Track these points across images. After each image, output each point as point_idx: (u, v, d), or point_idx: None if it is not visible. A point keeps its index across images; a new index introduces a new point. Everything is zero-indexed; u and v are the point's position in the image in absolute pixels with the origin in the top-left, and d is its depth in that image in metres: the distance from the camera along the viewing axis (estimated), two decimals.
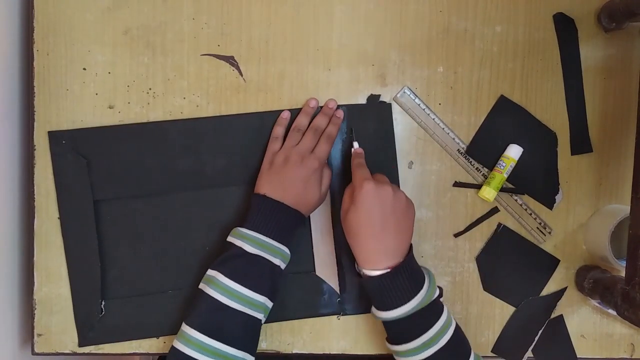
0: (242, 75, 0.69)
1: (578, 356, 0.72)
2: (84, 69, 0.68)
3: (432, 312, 0.60)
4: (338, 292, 0.69)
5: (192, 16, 0.68)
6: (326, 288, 0.69)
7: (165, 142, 0.68)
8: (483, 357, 0.71)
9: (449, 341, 0.59)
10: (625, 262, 0.61)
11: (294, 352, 0.70)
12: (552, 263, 0.71)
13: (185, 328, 0.59)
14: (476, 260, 0.71)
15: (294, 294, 0.69)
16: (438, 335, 0.59)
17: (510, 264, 0.71)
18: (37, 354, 0.69)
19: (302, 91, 0.69)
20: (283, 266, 0.63)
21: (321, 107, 0.69)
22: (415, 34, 0.70)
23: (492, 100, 0.70)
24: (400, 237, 0.60)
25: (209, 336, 0.58)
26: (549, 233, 0.71)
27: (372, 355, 0.71)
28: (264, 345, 0.70)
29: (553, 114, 0.71)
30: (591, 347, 0.72)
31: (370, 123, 0.69)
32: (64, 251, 0.68)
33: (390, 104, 0.69)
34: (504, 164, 0.68)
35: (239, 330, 0.60)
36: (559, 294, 0.71)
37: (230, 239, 0.63)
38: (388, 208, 0.59)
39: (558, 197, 0.71)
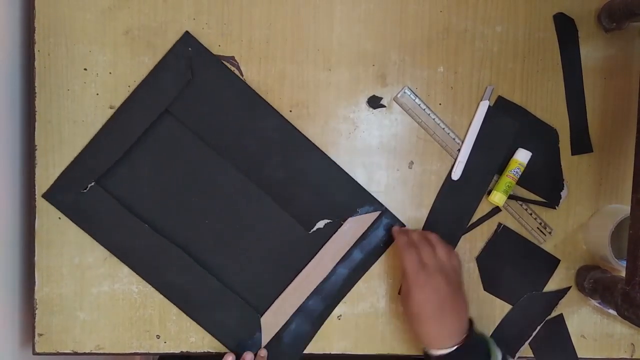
0: (242, 75, 0.69)
1: (578, 356, 0.72)
2: (85, 69, 0.68)
3: None
4: (261, 345, 0.69)
5: (193, 16, 0.68)
6: (256, 336, 0.69)
7: (260, 123, 0.68)
8: None
9: None
10: (625, 262, 0.61)
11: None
12: (552, 263, 0.71)
13: None
14: (476, 260, 0.71)
15: (229, 316, 0.68)
16: None
17: (511, 264, 0.71)
18: (38, 354, 0.69)
19: (302, 91, 0.69)
20: None
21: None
22: (415, 34, 0.70)
23: (492, 100, 0.70)
24: (460, 315, 0.62)
25: None
26: (549, 233, 0.71)
27: (372, 355, 0.71)
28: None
29: (553, 114, 0.71)
30: (591, 347, 0.72)
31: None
32: (103, 124, 0.67)
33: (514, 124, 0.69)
34: (514, 170, 0.68)
35: None
36: (561, 293, 0.71)
37: None
38: (443, 294, 0.61)
39: (564, 194, 0.71)
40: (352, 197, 0.69)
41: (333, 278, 0.69)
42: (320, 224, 0.69)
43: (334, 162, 0.69)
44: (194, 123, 0.68)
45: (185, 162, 0.68)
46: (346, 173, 0.69)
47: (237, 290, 0.68)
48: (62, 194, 0.68)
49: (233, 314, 0.69)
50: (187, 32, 0.67)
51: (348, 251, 0.69)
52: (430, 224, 0.70)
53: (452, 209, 0.70)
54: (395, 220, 0.70)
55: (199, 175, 0.68)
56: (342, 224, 0.69)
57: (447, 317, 0.61)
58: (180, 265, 0.68)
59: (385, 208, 0.69)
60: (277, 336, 0.69)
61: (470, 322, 0.63)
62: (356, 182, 0.69)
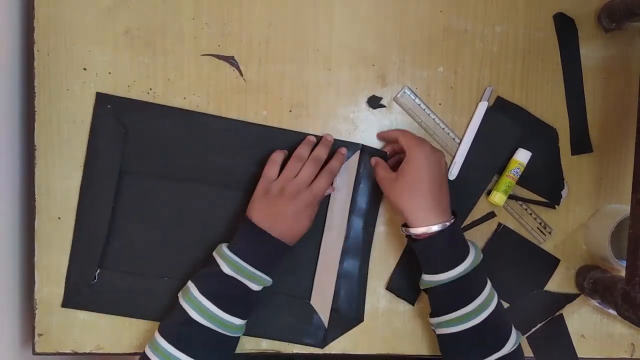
0: (242, 76, 0.69)
1: (578, 356, 0.72)
2: (85, 69, 0.68)
3: (478, 279, 0.61)
4: (326, 326, 0.69)
5: (193, 16, 0.68)
6: (315, 319, 0.69)
7: (206, 135, 0.68)
8: None
9: (492, 313, 0.60)
10: (625, 262, 0.61)
11: (294, 352, 0.70)
12: (552, 263, 0.71)
13: (156, 335, 0.60)
14: None
15: (283, 316, 0.69)
16: (483, 305, 0.59)
17: (511, 264, 0.71)
18: (38, 354, 0.69)
19: (302, 91, 0.69)
20: (259, 289, 0.63)
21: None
22: (415, 34, 0.70)
23: (492, 100, 0.70)
24: (446, 197, 0.62)
25: (175, 347, 0.58)
26: (549, 233, 0.71)
27: (372, 355, 0.71)
28: (264, 345, 0.70)
29: (553, 114, 0.71)
30: (591, 347, 0.72)
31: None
32: (76, 209, 0.67)
33: None
34: (514, 170, 0.68)
35: (205, 346, 0.60)
36: (569, 298, 0.71)
37: (214, 254, 0.63)
38: (439, 172, 0.62)
39: (564, 193, 0.71)
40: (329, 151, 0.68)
41: (352, 233, 0.69)
42: None
43: (292, 131, 0.68)
44: (152, 168, 0.68)
45: (165, 206, 0.68)
46: (310, 134, 0.68)
47: (275, 290, 0.67)
48: (78, 295, 0.68)
49: (284, 313, 0.69)
50: (98, 93, 0.67)
51: (352, 201, 0.69)
52: None
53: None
54: (375, 150, 0.69)
55: (184, 211, 0.68)
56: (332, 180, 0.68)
57: (438, 195, 0.61)
58: None
59: (362, 145, 0.69)
60: (334, 309, 0.69)
61: (454, 214, 0.62)
62: (321, 136, 0.69)
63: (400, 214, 0.62)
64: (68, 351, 0.69)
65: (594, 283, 0.68)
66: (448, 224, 0.60)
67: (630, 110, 0.71)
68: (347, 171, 0.69)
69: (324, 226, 0.69)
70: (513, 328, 0.61)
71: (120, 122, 0.67)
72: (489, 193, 0.70)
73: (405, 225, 0.63)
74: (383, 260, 0.70)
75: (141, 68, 0.68)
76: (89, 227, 0.68)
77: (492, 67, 0.70)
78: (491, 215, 0.71)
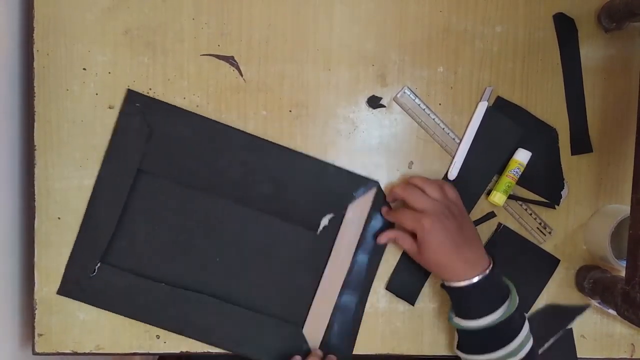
0: (242, 75, 0.69)
1: (578, 356, 0.72)
2: (84, 69, 0.68)
3: (515, 323, 0.61)
4: None
5: (192, 16, 0.68)
6: (305, 348, 0.69)
7: (230, 148, 0.68)
8: None
9: (527, 355, 0.61)
10: (625, 262, 0.61)
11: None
12: (552, 263, 0.71)
13: None
14: None
15: (274, 340, 0.68)
16: (519, 347, 0.60)
17: (511, 264, 0.71)
18: (38, 354, 0.69)
19: (302, 91, 0.69)
20: None
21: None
22: (415, 34, 0.70)
23: (492, 100, 0.70)
24: (474, 243, 0.62)
25: None
26: (549, 233, 0.71)
27: (372, 355, 0.71)
28: None
29: (553, 114, 0.71)
30: (591, 347, 0.72)
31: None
32: (87, 203, 0.68)
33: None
34: (514, 170, 0.68)
35: None
36: (580, 310, 0.72)
37: None
38: (453, 228, 0.61)
39: (564, 193, 0.71)
40: (345, 184, 0.69)
41: (356, 268, 0.69)
42: (325, 221, 0.69)
43: (314, 158, 0.69)
44: (169, 172, 0.68)
45: (176, 211, 0.68)
46: (329, 164, 0.69)
47: (270, 312, 0.68)
48: (75, 285, 0.68)
49: (275, 336, 0.68)
50: (129, 90, 0.67)
51: (361, 236, 0.69)
52: None
53: None
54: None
55: (194, 218, 0.68)
56: (344, 214, 0.69)
57: (464, 250, 0.61)
58: (207, 308, 0.68)
59: (378, 183, 0.69)
60: (324, 341, 0.69)
61: (493, 258, 0.63)
62: (343, 169, 0.69)
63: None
64: (68, 351, 0.69)
65: (594, 283, 0.68)
66: (482, 276, 0.60)
67: (630, 110, 0.71)
68: (361, 207, 0.69)
69: (328, 257, 0.69)
70: None
71: (146, 122, 0.67)
72: (489, 193, 0.70)
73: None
74: (383, 260, 0.70)
75: (141, 68, 0.68)
76: (98, 220, 0.67)
77: (492, 67, 0.70)
78: (491, 215, 0.71)
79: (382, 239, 0.67)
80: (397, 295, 0.70)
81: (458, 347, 0.65)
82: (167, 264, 0.68)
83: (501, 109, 0.70)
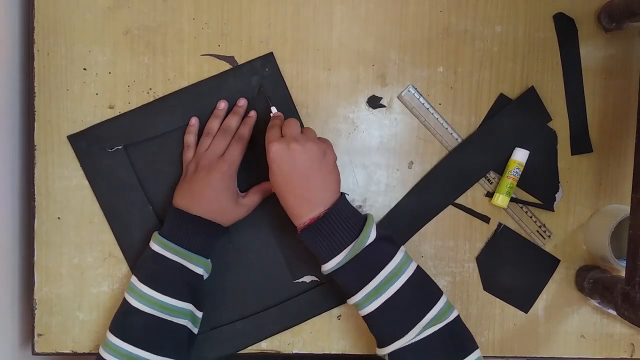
0: None
1: (578, 356, 0.72)
2: (84, 69, 0.68)
3: (378, 253, 0.57)
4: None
5: (193, 16, 0.68)
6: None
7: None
8: (486, 357, 0.71)
9: (405, 283, 0.57)
10: (625, 262, 0.61)
11: (294, 352, 0.70)
12: (552, 263, 0.71)
13: (107, 333, 0.61)
14: (476, 260, 0.71)
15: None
16: (388, 280, 0.57)
17: (511, 264, 0.71)
18: (38, 354, 0.69)
19: (302, 91, 0.69)
20: (205, 275, 0.63)
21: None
22: (415, 34, 0.70)
23: (492, 100, 0.70)
24: (320, 186, 0.58)
25: (121, 339, 0.59)
26: (549, 237, 0.71)
27: (372, 355, 0.71)
28: (263, 345, 0.70)
29: (553, 114, 0.71)
30: (591, 347, 0.72)
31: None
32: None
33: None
34: (514, 170, 0.68)
35: (149, 334, 0.60)
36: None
37: (151, 243, 0.62)
38: (299, 163, 0.57)
39: (558, 196, 0.71)
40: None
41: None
42: (307, 278, 0.69)
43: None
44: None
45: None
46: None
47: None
48: (88, 143, 0.67)
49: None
50: (271, 54, 0.68)
51: None
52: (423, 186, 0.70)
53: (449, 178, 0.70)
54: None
55: None
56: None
57: (305, 189, 0.58)
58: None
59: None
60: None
61: (341, 195, 0.59)
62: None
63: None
64: (67, 351, 0.69)
65: (594, 283, 0.68)
66: (316, 218, 0.57)
67: (630, 110, 0.71)
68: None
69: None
70: (444, 296, 0.59)
71: (260, 86, 0.67)
72: (490, 195, 0.70)
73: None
74: (378, 201, 0.70)
75: (141, 68, 0.68)
76: (149, 117, 0.68)
77: (492, 67, 0.70)
78: (485, 218, 0.71)
79: (277, 113, 0.65)
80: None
81: (345, 299, 0.61)
82: (167, 197, 0.67)
83: (502, 104, 0.70)
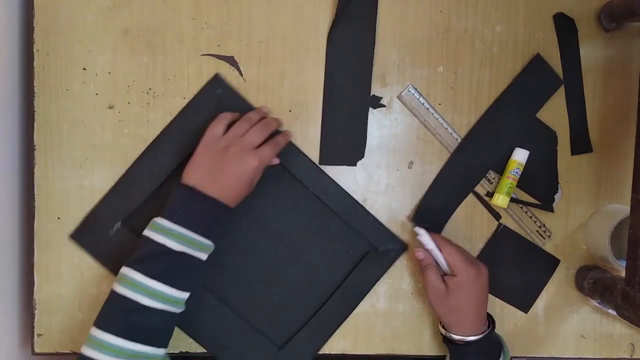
0: (242, 76, 0.69)
1: (578, 356, 0.72)
2: (84, 69, 0.68)
3: None
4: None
5: (192, 16, 0.68)
6: None
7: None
8: None
9: None
10: (625, 262, 0.61)
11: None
12: (552, 263, 0.71)
13: (97, 333, 0.56)
14: None
15: (250, 354, 0.69)
16: None
17: (511, 264, 0.71)
18: (37, 354, 0.69)
19: (302, 91, 0.69)
20: (205, 258, 0.61)
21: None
22: (415, 34, 0.70)
23: (492, 100, 0.70)
24: (486, 307, 0.65)
25: (127, 339, 0.55)
26: (549, 237, 0.71)
27: (372, 355, 0.71)
28: None
29: (553, 114, 0.71)
30: (591, 347, 0.72)
31: None
32: (139, 156, 0.67)
33: None
34: (514, 170, 0.68)
35: (157, 328, 0.58)
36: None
37: (150, 234, 0.58)
38: (484, 287, 0.64)
39: (557, 197, 0.71)
40: (372, 234, 0.69)
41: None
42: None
43: (353, 199, 0.69)
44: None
45: None
46: (368, 212, 0.69)
47: (258, 327, 0.69)
48: (89, 235, 0.67)
49: (253, 351, 0.68)
50: (217, 74, 0.67)
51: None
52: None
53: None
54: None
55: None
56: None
57: (482, 309, 0.64)
58: (206, 305, 0.68)
59: (404, 245, 0.70)
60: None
61: (489, 316, 0.66)
62: (377, 220, 0.69)
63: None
64: (67, 351, 0.69)
65: (594, 283, 0.68)
66: (482, 335, 0.63)
67: (630, 110, 0.71)
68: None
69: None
70: None
71: (220, 110, 0.65)
72: (490, 195, 0.70)
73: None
74: (406, 194, 0.70)
75: (141, 68, 0.68)
76: (138, 181, 0.67)
77: (492, 67, 0.70)
78: (498, 216, 0.71)
79: (420, 254, 0.66)
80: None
81: None
82: None
83: (503, 105, 0.70)
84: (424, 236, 0.64)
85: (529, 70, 0.69)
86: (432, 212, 0.70)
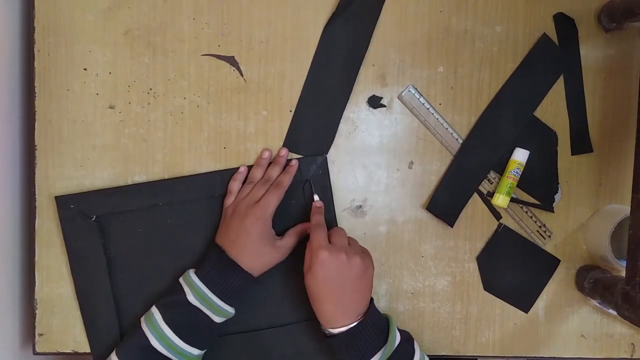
0: (242, 76, 0.69)
1: (578, 356, 0.72)
2: (85, 69, 0.68)
3: (401, 358, 0.60)
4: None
5: (193, 16, 0.68)
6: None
7: (173, 196, 0.68)
8: (486, 357, 0.71)
9: None
10: (625, 262, 0.61)
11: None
12: (552, 263, 0.71)
13: (113, 356, 0.60)
14: (477, 260, 0.71)
15: None
16: None
17: (511, 264, 0.71)
18: (38, 354, 0.69)
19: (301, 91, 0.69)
20: (221, 321, 0.63)
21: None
22: (415, 34, 0.70)
23: (492, 100, 0.70)
24: (358, 297, 0.60)
25: None
26: (549, 237, 0.71)
27: None
28: None
29: (553, 114, 0.71)
30: (591, 347, 0.72)
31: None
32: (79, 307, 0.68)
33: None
34: (514, 170, 0.68)
35: None
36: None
37: (181, 280, 0.63)
38: (344, 274, 0.59)
39: (557, 197, 0.71)
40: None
41: None
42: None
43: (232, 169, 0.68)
44: (137, 244, 0.68)
45: (158, 279, 0.68)
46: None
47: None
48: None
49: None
50: (56, 197, 0.67)
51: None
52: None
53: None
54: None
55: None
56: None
57: (344, 298, 0.59)
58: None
59: (324, 155, 0.69)
60: None
61: (370, 301, 0.62)
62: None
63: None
64: (68, 351, 0.69)
65: (594, 283, 0.68)
66: (351, 326, 0.59)
67: (630, 110, 0.71)
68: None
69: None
70: None
71: (88, 216, 0.66)
72: (491, 195, 0.70)
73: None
74: (382, 260, 0.70)
75: (141, 68, 0.68)
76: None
77: (492, 67, 0.70)
78: (498, 216, 0.71)
79: (317, 204, 0.67)
80: (436, 216, 0.70)
81: None
82: (128, 272, 0.68)
83: (501, 104, 0.70)
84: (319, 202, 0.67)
85: (536, 51, 0.69)
86: (439, 212, 0.70)
